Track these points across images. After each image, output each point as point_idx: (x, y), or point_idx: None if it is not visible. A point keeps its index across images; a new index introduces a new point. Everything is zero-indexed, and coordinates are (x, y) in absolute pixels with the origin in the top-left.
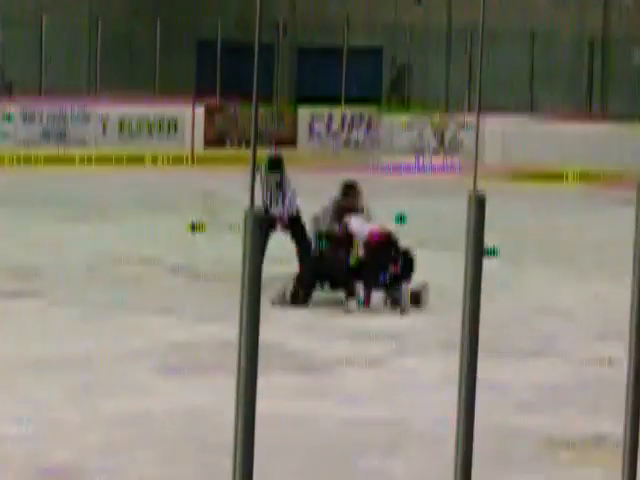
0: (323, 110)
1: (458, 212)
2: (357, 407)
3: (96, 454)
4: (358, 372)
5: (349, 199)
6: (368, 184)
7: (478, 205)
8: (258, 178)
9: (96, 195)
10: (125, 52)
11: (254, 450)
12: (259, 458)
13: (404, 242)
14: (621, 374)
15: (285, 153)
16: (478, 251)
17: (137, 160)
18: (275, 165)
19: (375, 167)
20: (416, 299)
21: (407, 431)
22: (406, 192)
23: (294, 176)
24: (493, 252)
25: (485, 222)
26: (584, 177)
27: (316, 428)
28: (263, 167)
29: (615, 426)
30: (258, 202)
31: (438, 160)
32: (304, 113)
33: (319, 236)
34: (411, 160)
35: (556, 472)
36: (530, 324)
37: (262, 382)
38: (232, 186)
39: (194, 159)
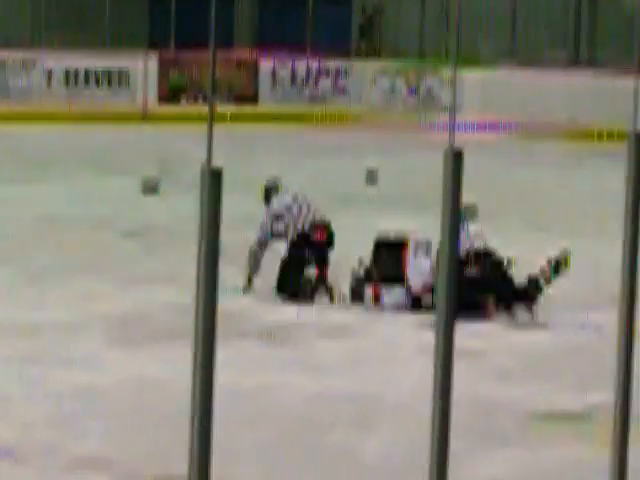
0: (287, 59)
1: (431, 168)
2: (326, 379)
3: (41, 428)
4: (327, 342)
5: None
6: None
7: (455, 160)
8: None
9: (41, 154)
10: None
11: (212, 424)
12: (219, 433)
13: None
14: (611, 341)
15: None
16: (455, 210)
17: (85, 116)
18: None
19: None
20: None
21: (380, 405)
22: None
23: (257, 133)
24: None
25: (463, 179)
26: (569, 130)
27: (281, 401)
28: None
29: (605, 398)
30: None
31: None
32: (266, 62)
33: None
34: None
35: (541, 447)
36: None
37: (221, 351)
38: (187, 144)
39: (146, 115)
